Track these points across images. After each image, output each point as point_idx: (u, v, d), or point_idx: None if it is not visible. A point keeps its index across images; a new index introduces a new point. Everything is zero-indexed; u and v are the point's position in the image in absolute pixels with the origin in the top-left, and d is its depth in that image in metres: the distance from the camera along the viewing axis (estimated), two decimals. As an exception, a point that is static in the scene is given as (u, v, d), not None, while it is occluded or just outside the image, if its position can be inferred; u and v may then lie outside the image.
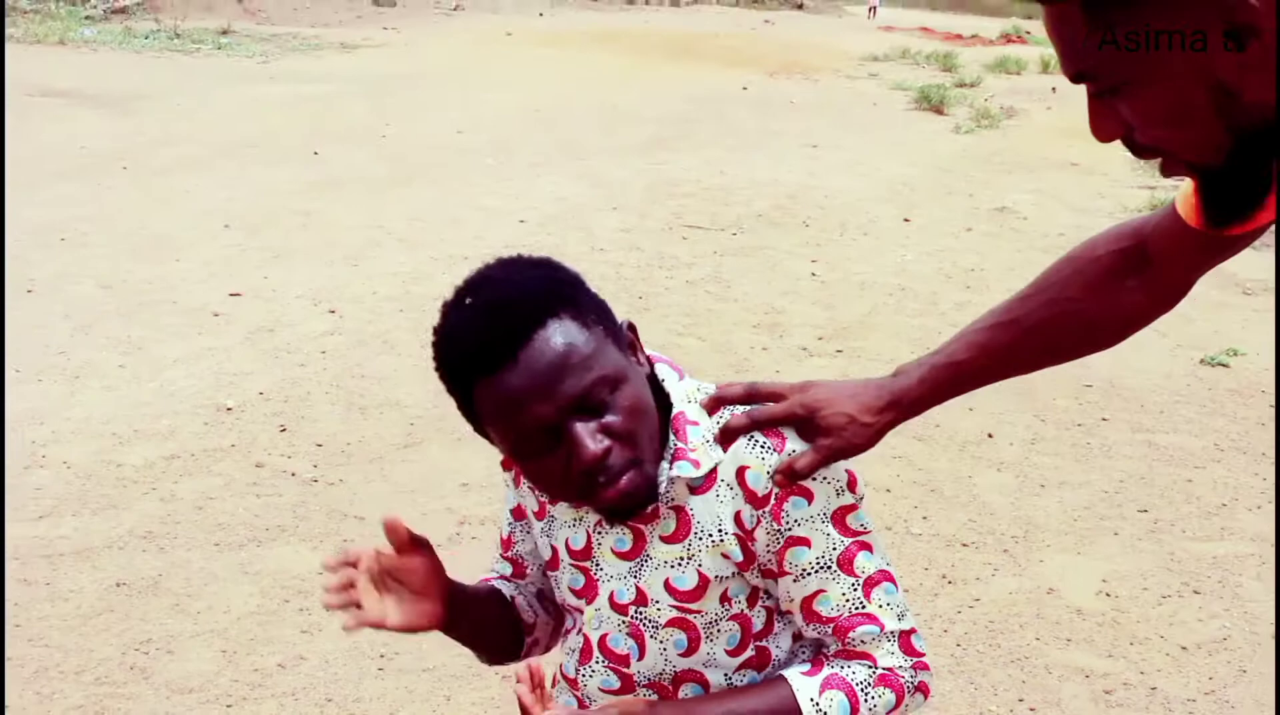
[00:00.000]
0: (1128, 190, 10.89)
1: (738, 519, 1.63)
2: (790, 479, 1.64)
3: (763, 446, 1.64)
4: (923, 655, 1.67)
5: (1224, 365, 6.14)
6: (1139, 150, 1.34)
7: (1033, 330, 1.82)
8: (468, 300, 1.54)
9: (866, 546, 1.66)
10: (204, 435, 4.81)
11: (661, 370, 1.71)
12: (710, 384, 1.73)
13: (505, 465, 1.78)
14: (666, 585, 1.68)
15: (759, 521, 1.63)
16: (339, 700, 3.21)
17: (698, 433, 1.66)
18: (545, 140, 12.32)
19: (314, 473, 4.52)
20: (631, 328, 1.66)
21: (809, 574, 1.64)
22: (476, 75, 17.11)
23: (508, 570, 1.92)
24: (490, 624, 1.89)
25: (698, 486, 1.66)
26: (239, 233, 7.88)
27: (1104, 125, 1.34)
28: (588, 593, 1.77)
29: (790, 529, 1.63)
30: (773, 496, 1.62)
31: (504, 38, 22.35)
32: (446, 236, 8.01)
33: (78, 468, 4.47)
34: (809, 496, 1.63)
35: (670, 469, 1.63)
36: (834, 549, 1.64)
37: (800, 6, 59.45)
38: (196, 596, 3.68)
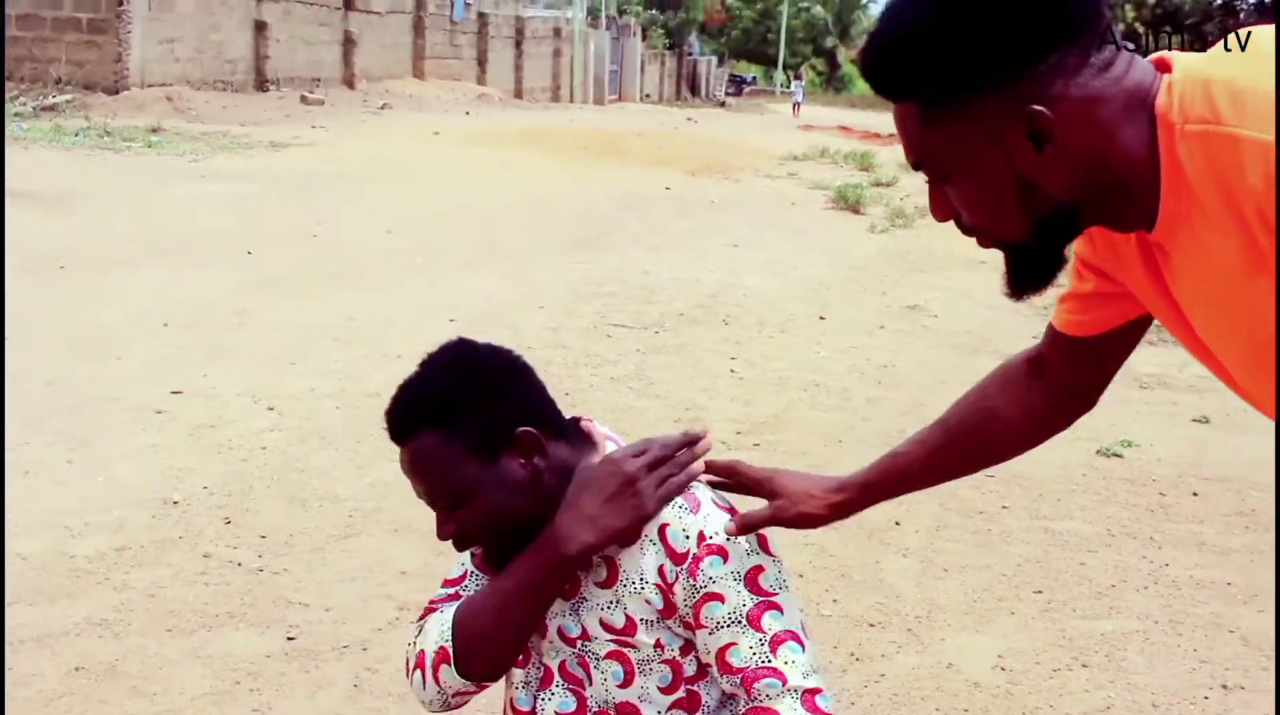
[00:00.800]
0: (1034, 289, 11.35)
1: (660, 571, 1.93)
2: (742, 530, 1.98)
3: (681, 507, 1.94)
4: (826, 713, 1.90)
5: (1118, 456, 6.52)
6: (965, 229, 1.70)
7: (957, 431, 2.14)
8: (417, 372, 2.00)
9: (775, 606, 1.92)
10: (152, 527, 5.05)
11: (607, 446, 2.05)
12: None
13: None
14: (602, 623, 1.98)
15: (678, 576, 1.90)
16: (290, 773, 3.47)
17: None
18: (472, 240, 12.66)
19: (259, 562, 4.77)
20: (527, 436, 1.96)
21: (721, 627, 1.90)
22: (403, 175, 17.44)
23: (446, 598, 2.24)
24: None
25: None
26: (178, 331, 8.13)
27: (938, 207, 1.71)
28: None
29: (705, 586, 1.89)
30: (690, 554, 1.90)
31: (431, 137, 22.73)
32: (380, 335, 8.31)
33: (32, 559, 4.70)
34: (724, 556, 1.90)
35: None
36: (744, 606, 1.89)
37: (723, 104, 60.58)
38: (152, 679, 3.92)
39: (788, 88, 62.12)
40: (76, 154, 17.61)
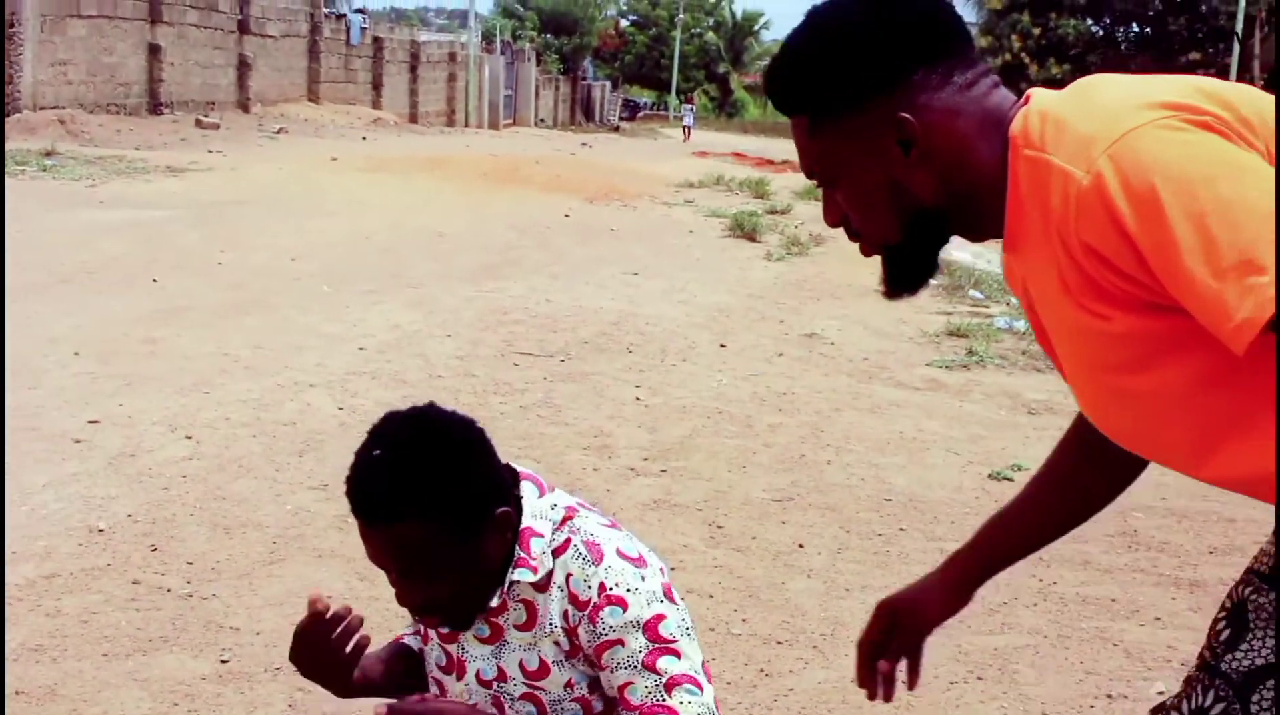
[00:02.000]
0: (928, 316, 11.74)
1: (565, 615, 2.10)
2: (909, 682, 2.35)
3: (585, 558, 2.09)
4: None
5: (1009, 479, 6.83)
6: (851, 234, 1.97)
7: (1056, 496, 2.33)
8: (375, 452, 2.07)
9: (672, 652, 2.07)
10: (80, 555, 5.17)
11: (525, 488, 2.19)
12: (567, 496, 2.25)
13: None
14: (520, 665, 2.15)
15: (580, 621, 2.07)
16: (233, 788, 3.63)
17: (540, 543, 2.12)
18: (377, 268, 12.80)
19: (188, 588, 4.91)
20: (505, 517, 2.10)
21: (620, 668, 2.07)
22: (305, 201, 17.51)
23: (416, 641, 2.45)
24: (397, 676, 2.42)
25: (541, 585, 2.12)
26: (89, 361, 8.20)
27: (829, 212, 1.97)
28: (454, 669, 2.25)
29: (605, 633, 2.06)
30: (591, 603, 2.06)
31: (329, 163, 22.77)
32: (291, 363, 8.43)
33: (-37, 587, 4.80)
34: (624, 605, 2.06)
35: (512, 573, 2.11)
36: (640, 651, 2.05)
37: (617, 129, 61.00)
38: (92, 702, 4.05)
39: (679, 113, 62.48)
40: (-31, 179, 17.45)
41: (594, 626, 2.05)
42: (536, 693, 2.15)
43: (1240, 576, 1.97)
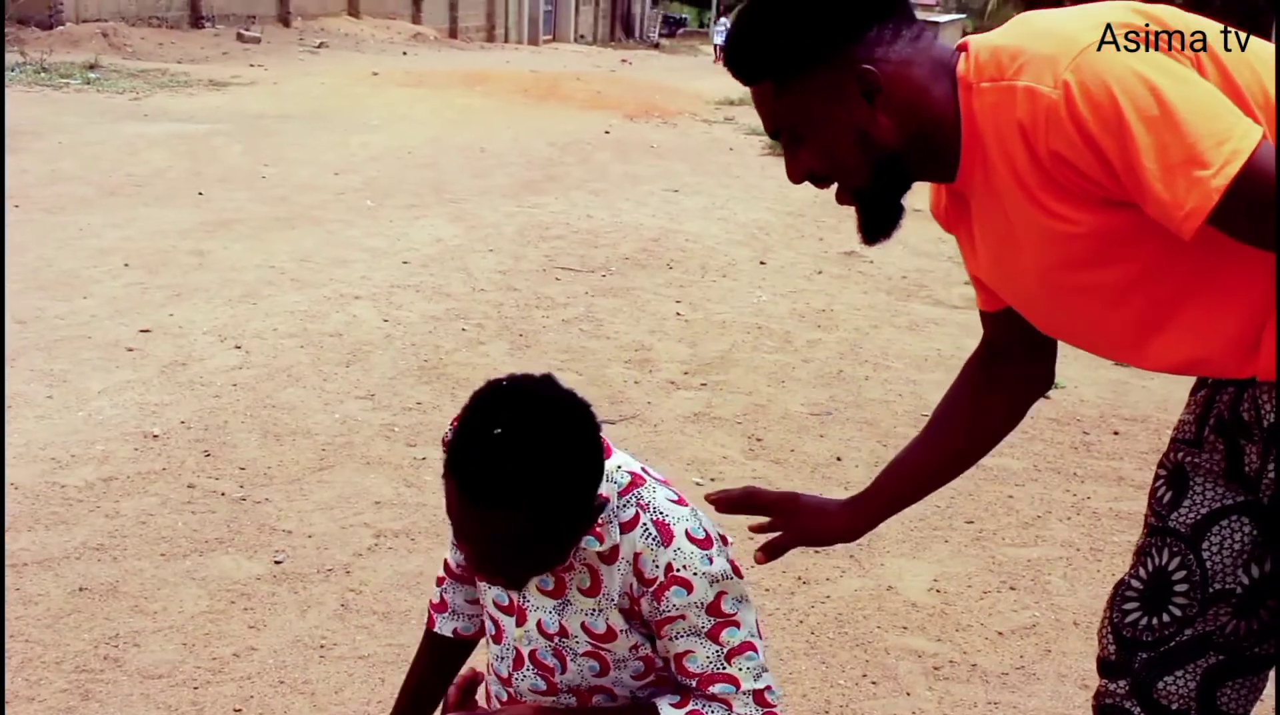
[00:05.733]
0: (965, 236, 11.74)
1: (629, 588, 2.13)
2: (770, 558, 2.40)
3: (654, 538, 2.10)
4: (773, 706, 2.18)
5: (1045, 397, 6.89)
6: (817, 182, 2.12)
7: (946, 431, 2.52)
8: (496, 431, 1.93)
9: (734, 624, 2.13)
10: (136, 460, 5.32)
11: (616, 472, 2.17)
12: (631, 458, 2.24)
13: None
14: (584, 627, 2.19)
15: (644, 595, 2.11)
16: (290, 682, 3.77)
17: (605, 510, 2.11)
18: (419, 182, 12.88)
19: (241, 492, 5.05)
20: (601, 501, 2.07)
21: (681, 638, 2.13)
22: (346, 116, 17.58)
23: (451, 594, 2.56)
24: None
25: (608, 557, 2.13)
26: (139, 272, 8.34)
27: (794, 168, 2.12)
28: (514, 612, 2.26)
29: (668, 610, 2.10)
30: (657, 581, 2.09)
31: (370, 77, 22.79)
32: (336, 276, 8.55)
33: (25, 489, 4.95)
34: (689, 587, 2.09)
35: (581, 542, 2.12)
36: (704, 626, 2.11)
37: (656, 46, 60.51)
38: (152, 599, 4.20)
39: (715, 27, 60.15)
40: (14, 91, 17.59)
41: (658, 604, 2.09)
42: (602, 652, 2.20)
43: (1168, 448, 2.25)
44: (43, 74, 19.67)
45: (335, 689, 3.75)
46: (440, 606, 2.57)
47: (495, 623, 2.32)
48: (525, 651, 2.26)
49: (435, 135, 16.37)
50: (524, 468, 1.91)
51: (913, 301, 9.15)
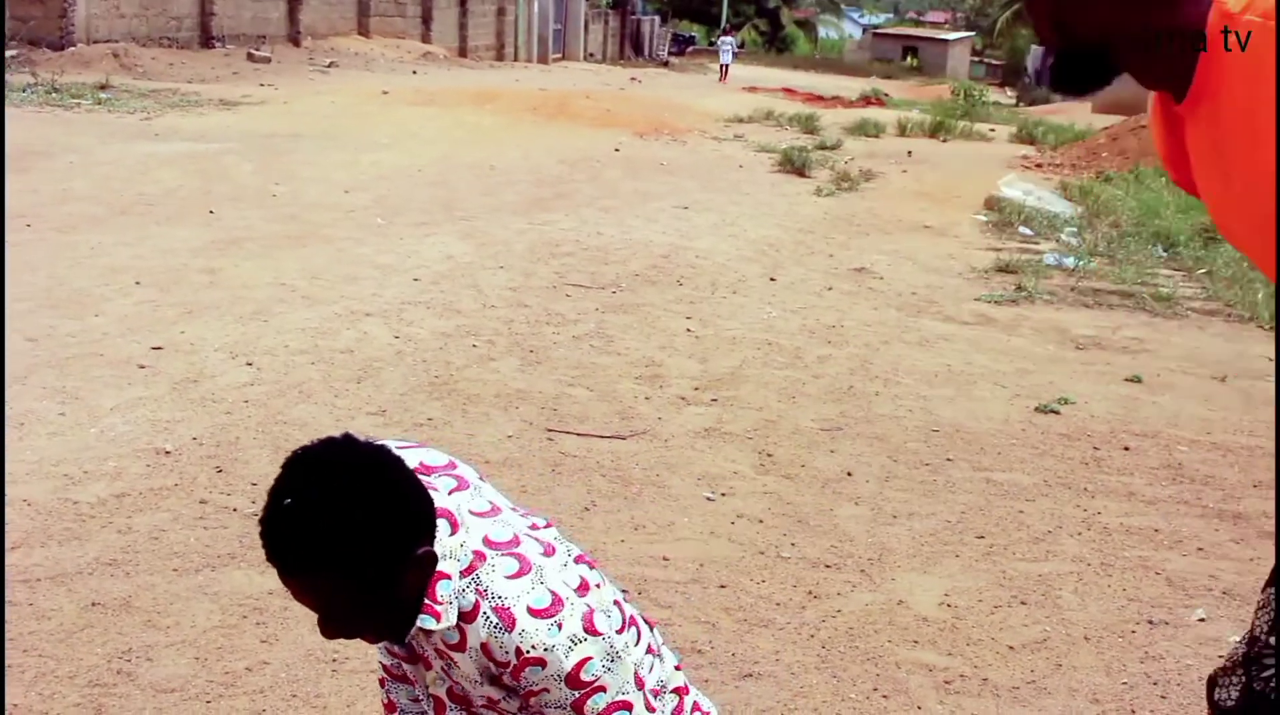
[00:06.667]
0: (976, 252, 11.77)
1: (485, 670, 2.14)
2: None
3: (497, 626, 2.08)
4: None
5: (1055, 412, 6.90)
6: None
7: None
8: (286, 502, 2.03)
9: (597, 689, 2.12)
10: (148, 476, 5.33)
11: (440, 526, 2.14)
12: (482, 529, 2.20)
13: None
14: (473, 694, 2.24)
15: (503, 674, 2.11)
16: (303, 696, 3.78)
17: (446, 587, 2.10)
18: (429, 200, 12.91)
19: (253, 508, 5.06)
20: (429, 557, 2.07)
21: (551, 708, 2.13)
22: (356, 134, 17.62)
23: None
24: None
25: (457, 646, 2.13)
26: (150, 289, 8.36)
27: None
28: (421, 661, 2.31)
29: (529, 685, 2.10)
30: (511, 664, 2.08)
31: (380, 96, 22.86)
32: (347, 293, 8.57)
33: (37, 505, 4.97)
34: (543, 664, 2.08)
35: (420, 620, 2.11)
36: (568, 699, 2.11)
37: (666, 64, 60.62)
38: (164, 614, 4.21)
39: (718, 46, 55.40)
40: (25, 111, 17.65)
41: (517, 681, 2.10)
42: (500, 709, 2.27)
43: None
44: (54, 94, 19.73)
45: (347, 703, 3.76)
46: (390, 707, 2.60)
47: (435, 700, 2.35)
48: (442, 694, 2.31)
49: (445, 153, 16.41)
50: (315, 534, 1.97)
51: (923, 317, 9.15)
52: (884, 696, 3.96)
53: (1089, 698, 4.01)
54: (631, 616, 2.33)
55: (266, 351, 7.09)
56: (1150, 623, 4.55)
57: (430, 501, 2.12)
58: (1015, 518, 5.46)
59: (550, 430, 6.16)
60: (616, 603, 2.29)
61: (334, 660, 3.97)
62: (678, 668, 2.48)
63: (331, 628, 2.10)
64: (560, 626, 2.06)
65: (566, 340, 7.78)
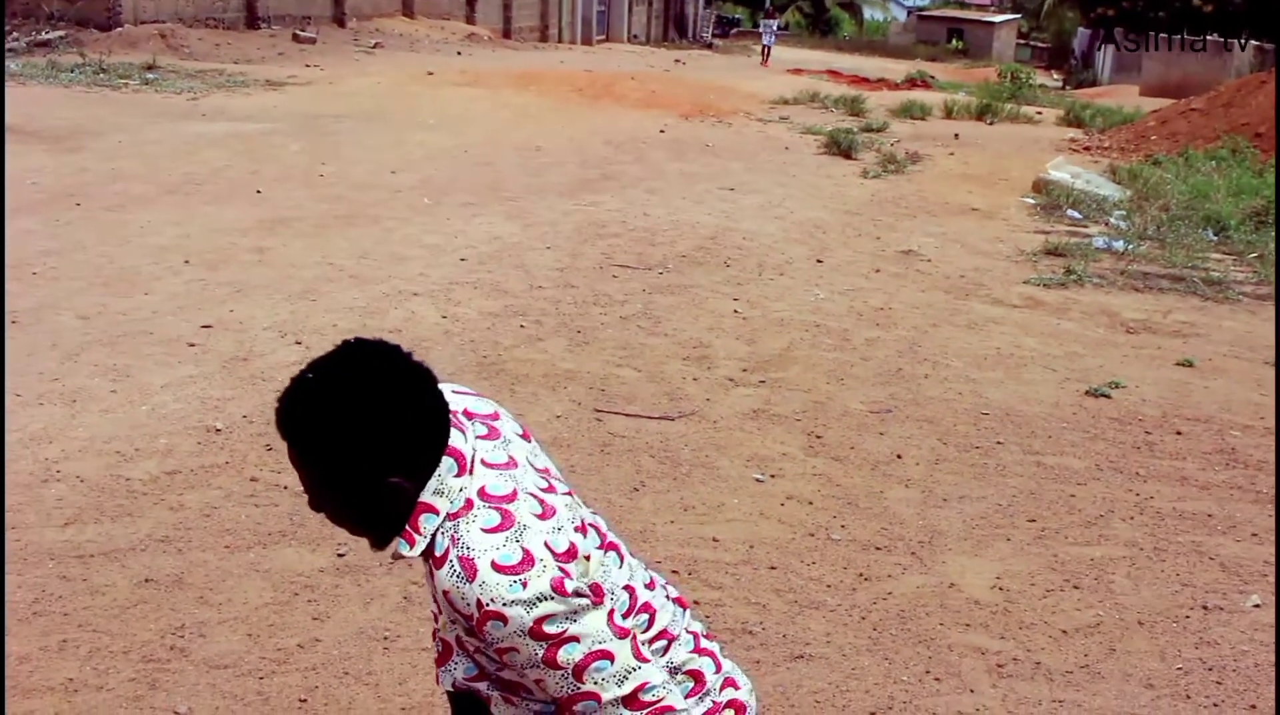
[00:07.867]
0: (1025, 235, 11.68)
1: (456, 620, 2.08)
2: None
3: (459, 576, 2.00)
4: (654, 703, 2.11)
5: (1106, 396, 6.84)
6: None
7: None
8: (308, 375, 2.06)
9: (568, 640, 2.03)
10: (199, 453, 5.35)
11: (445, 463, 2.10)
12: (483, 478, 2.12)
13: None
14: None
15: (470, 628, 2.04)
16: (355, 673, 3.79)
17: (430, 521, 2.05)
18: (475, 181, 12.91)
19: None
20: (395, 488, 2.03)
21: (526, 669, 2.07)
22: (402, 115, 17.64)
23: None
24: None
25: (433, 586, 2.08)
26: (200, 268, 8.40)
27: None
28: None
29: (495, 642, 2.03)
30: (474, 616, 2.00)
31: (425, 77, 22.87)
32: (394, 273, 8.58)
33: (90, 482, 5.00)
34: (504, 619, 2.00)
35: (395, 542, 2.09)
36: (538, 653, 2.03)
37: (710, 46, 60.40)
38: (217, 590, 4.23)
39: (760, 28, 52.59)
40: (74, 91, 17.75)
41: (483, 636, 2.05)
42: (479, 656, 2.26)
43: None
44: (102, 74, 19.83)
45: (399, 680, 3.77)
46: (440, 660, 2.55)
47: (443, 643, 2.38)
48: (451, 639, 2.32)
49: (491, 134, 16.41)
50: (313, 407, 2.02)
51: (971, 300, 9.09)
52: (936, 679, 3.94)
53: (1143, 683, 3.98)
54: (646, 602, 2.29)
55: (315, 330, 7.10)
56: (1205, 608, 4.51)
57: (433, 444, 2.09)
58: (1067, 501, 5.42)
59: (599, 410, 6.15)
60: (628, 587, 2.25)
61: (385, 638, 3.98)
62: (716, 664, 2.45)
63: (312, 504, 2.14)
64: (525, 585, 2.01)
65: (614, 321, 7.76)
